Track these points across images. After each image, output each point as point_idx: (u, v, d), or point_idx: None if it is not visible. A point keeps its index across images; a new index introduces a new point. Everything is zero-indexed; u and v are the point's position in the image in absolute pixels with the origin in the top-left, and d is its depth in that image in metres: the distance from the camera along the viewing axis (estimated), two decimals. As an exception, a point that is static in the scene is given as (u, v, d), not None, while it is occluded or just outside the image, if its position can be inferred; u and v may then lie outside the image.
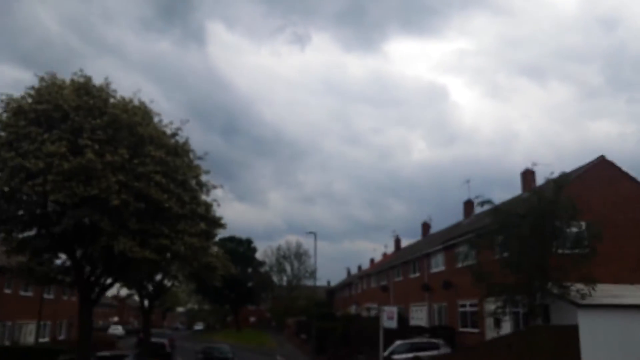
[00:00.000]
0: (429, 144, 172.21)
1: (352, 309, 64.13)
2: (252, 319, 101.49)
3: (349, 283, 66.49)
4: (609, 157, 22.37)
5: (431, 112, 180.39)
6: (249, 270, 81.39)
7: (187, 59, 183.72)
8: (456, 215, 35.39)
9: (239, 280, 78.30)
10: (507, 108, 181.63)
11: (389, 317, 20.43)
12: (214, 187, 20.76)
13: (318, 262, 68.34)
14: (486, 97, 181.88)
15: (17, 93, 17.58)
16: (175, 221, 18.75)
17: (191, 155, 20.12)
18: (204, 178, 20.61)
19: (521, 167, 28.70)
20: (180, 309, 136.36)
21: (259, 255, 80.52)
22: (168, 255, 18.85)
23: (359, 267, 75.84)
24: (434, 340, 26.05)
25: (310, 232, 36.31)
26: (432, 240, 35.83)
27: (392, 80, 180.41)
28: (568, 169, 21.73)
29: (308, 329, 42.65)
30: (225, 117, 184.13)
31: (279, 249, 73.51)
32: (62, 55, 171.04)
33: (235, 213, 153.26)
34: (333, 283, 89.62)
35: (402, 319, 36.55)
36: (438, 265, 31.14)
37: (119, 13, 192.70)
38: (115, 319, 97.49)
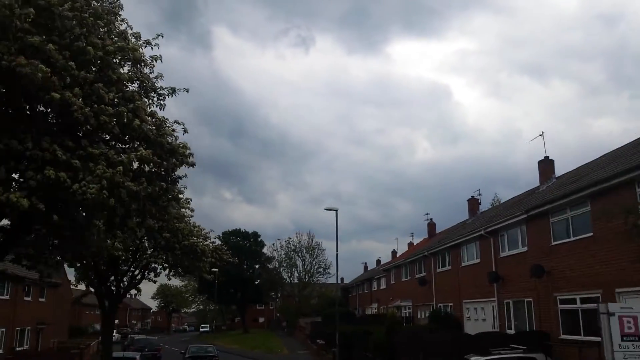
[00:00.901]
0: (433, 144, 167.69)
1: (373, 308, 54.54)
2: (261, 319, 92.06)
3: (368, 279, 56.77)
4: None
5: (434, 112, 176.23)
6: (256, 266, 71.74)
7: (193, 64, 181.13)
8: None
9: (245, 277, 68.71)
10: (509, 107, 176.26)
11: (627, 329, 9.66)
12: (172, 92, 11.16)
13: (329, 259, 60.56)
14: (489, 97, 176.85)
15: None
16: (86, 138, 9.28)
17: (126, 31, 10.54)
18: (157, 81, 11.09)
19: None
20: (185, 310, 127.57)
21: (266, 251, 70.74)
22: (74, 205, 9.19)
23: (378, 261, 66.10)
24: (531, 355, 16.45)
25: (330, 209, 26.44)
26: (493, 217, 26.14)
27: (395, 81, 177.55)
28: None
29: (325, 332, 32.99)
30: (232, 121, 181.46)
31: (288, 241, 63.37)
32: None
33: (244, 215, 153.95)
34: (345, 281, 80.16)
35: (450, 319, 26.93)
36: (515, 244, 21.41)
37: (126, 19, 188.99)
38: (115, 321, 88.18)
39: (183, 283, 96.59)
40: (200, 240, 21.33)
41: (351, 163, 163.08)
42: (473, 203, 32.12)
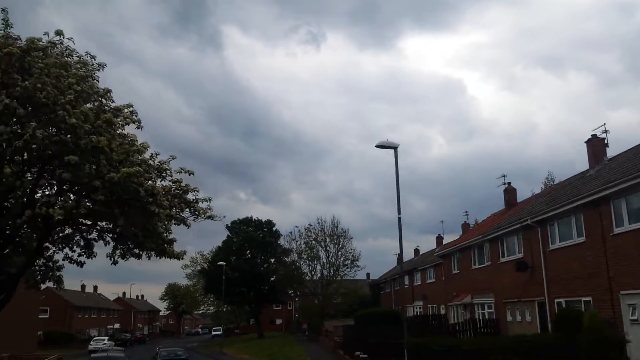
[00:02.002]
0: (448, 140, 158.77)
1: (417, 307, 43.45)
2: (278, 321, 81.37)
3: (409, 270, 45.58)
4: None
5: (448, 107, 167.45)
6: (272, 260, 60.67)
7: (204, 64, 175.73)
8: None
9: (259, 273, 57.72)
10: (524, 100, 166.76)
11: None
12: None
13: (357, 250, 50.92)
14: (503, 90, 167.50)
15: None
16: None
17: None
18: None
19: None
20: (199, 311, 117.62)
21: (283, 242, 59.27)
22: None
23: (416, 251, 54.88)
24: None
25: (387, 146, 14.79)
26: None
27: (408, 76, 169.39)
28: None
29: (365, 340, 21.74)
30: (245, 121, 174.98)
31: (309, 229, 51.92)
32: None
33: (260, 215, 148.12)
34: (371, 277, 69.43)
35: (596, 325, 15.79)
36: None
37: (135, 20, 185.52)
38: (117, 325, 78.14)
39: (192, 282, 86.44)
40: (149, 174, 10.53)
41: (365, 160, 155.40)
42: (597, 145, 20.53)
